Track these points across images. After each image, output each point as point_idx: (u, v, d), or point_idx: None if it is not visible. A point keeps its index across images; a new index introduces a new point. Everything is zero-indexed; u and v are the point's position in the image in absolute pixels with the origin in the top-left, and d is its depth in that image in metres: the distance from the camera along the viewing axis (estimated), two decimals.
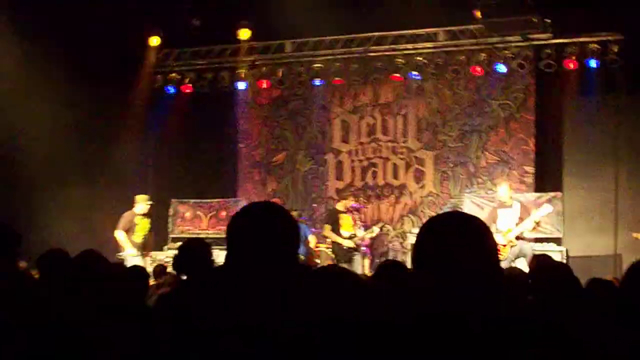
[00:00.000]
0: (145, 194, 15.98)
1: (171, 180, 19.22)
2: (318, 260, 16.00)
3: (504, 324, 2.81)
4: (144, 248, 15.39)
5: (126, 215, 15.53)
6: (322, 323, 3.26)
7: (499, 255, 3.07)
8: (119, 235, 15.23)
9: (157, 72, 19.32)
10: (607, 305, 5.41)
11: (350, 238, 15.64)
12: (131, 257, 14.84)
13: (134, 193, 16.43)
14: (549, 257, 9.13)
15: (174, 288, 6.31)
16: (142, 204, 15.64)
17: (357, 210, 16.20)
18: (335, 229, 15.75)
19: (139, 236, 15.34)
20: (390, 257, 16.96)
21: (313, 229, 16.99)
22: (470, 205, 16.97)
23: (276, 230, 3.48)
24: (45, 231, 15.39)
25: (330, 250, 15.92)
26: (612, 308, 4.84)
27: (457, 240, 2.92)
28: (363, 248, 15.91)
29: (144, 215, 15.61)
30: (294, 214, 16.41)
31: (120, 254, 15.05)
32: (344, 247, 15.60)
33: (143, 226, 15.46)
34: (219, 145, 19.25)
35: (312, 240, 16.46)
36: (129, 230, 15.33)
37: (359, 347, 3.10)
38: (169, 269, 13.30)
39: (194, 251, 6.34)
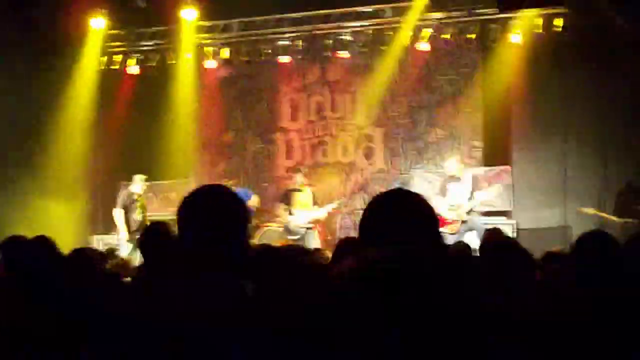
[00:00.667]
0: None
1: (119, 162, 19.08)
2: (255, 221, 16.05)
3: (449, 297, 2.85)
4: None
5: (123, 193, 15.68)
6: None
7: (443, 230, 3.18)
8: (117, 214, 15.33)
9: (103, 54, 19.14)
10: (560, 276, 5.52)
11: (301, 218, 15.77)
12: (125, 242, 14.91)
13: (81, 175, 16.39)
14: (500, 230, 9.21)
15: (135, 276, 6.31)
16: (138, 183, 15.77)
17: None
18: (288, 209, 15.87)
19: (139, 213, 15.41)
20: (342, 234, 17.06)
21: (265, 208, 17.04)
22: (420, 180, 17.07)
23: (224, 211, 3.51)
24: None
25: (282, 229, 16.00)
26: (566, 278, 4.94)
27: (399, 215, 2.99)
28: (318, 228, 16.05)
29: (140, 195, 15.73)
30: (230, 183, 16.55)
31: (115, 241, 15.19)
32: (294, 227, 15.72)
33: (142, 203, 15.51)
34: (167, 126, 19.11)
35: (254, 199, 16.44)
36: (127, 209, 15.39)
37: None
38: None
39: (158, 234, 6.31)
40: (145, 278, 3.87)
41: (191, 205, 3.56)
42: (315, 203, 16.10)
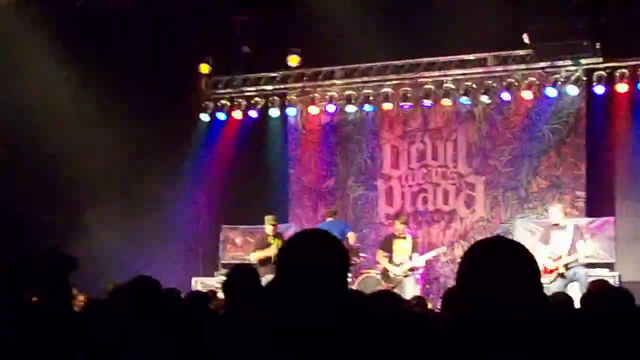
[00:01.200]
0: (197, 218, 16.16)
1: (222, 206, 19.33)
2: (356, 259, 16.07)
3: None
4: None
5: (257, 236, 15.95)
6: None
7: (543, 279, 3.13)
8: (254, 257, 15.61)
9: (208, 99, 19.50)
10: None
11: (400, 264, 15.72)
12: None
13: (181, 219, 16.68)
14: (607, 282, 9.04)
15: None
16: (268, 224, 15.95)
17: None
18: (389, 255, 15.86)
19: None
20: (441, 283, 16.98)
21: (364, 255, 16.99)
22: (522, 230, 16.91)
23: (326, 258, 3.48)
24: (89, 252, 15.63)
25: (380, 275, 15.98)
26: None
27: (499, 265, 2.95)
28: (417, 275, 16.00)
29: (275, 235, 15.94)
30: (331, 210, 16.63)
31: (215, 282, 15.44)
32: (392, 274, 15.68)
33: (278, 244, 15.64)
34: (270, 171, 19.30)
35: (351, 237, 16.41)
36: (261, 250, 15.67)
37: None
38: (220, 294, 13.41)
39: (242, 276, 6.36)
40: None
41: (292, 251, 3.55)
42: (414, 250, 16.03)
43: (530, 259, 3.04)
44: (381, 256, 16.02)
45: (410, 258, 15.89)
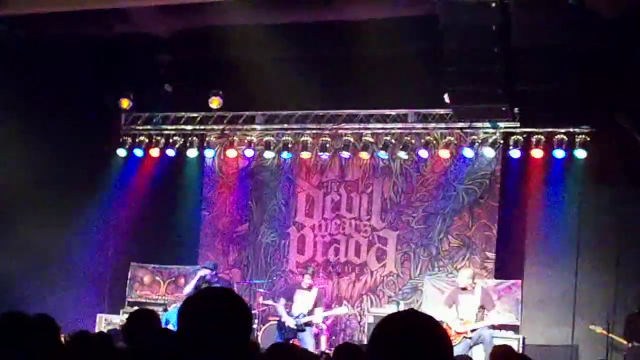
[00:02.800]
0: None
1: (132, 243, 19.13)
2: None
3: None
4: None
5: (196, 277, 15.90)
6: None
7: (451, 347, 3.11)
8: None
9: (127, 134, 19.35)
10: None
11: (297, 317, 15.63)
12: None
13: (91, 253, 16.54)
14: (510, 348, 9.10)
15: None
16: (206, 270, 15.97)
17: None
18: (288, 305, 15.78)
19: None
20: (347, 335, 16.96)
21: (270, 302, 16.92)
22: (431, 288, 17.03)
23: (229, 319, 3.48)
24: None
25: (276, 325, 15.88)
26: None
27: (411, 342, 2.95)
28: (315, 329, 15.94)
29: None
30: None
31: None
32: (287, 326, 15.58)
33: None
34: (183, 212, 19.18)
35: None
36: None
37: None
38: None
39: (143, 320, 6.28)
40: None
41: (193, 308, 3.54)
42: (318, 305, 15.94)
43: (442, 334, 3.05)
44: (281, 306, 15.93)
45: (311, 312, 15.80)
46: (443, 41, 13.61)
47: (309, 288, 16.01)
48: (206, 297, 3.62)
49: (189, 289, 15.82)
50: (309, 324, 15.76)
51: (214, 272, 16.01)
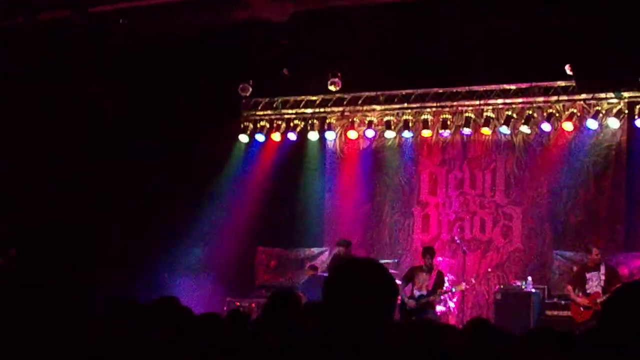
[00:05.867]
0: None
1: (257, 227, 19.33)
2: None
3: None
4: None
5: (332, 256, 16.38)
6: None
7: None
8: None
9: (248, 120, 19.58)
10: None
11: (418, 298, 15.52)
12: None
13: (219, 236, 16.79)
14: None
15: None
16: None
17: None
18: (407, 286, 15.68)
19: None
20: (475, 313, 16.86)
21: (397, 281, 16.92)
22: (559, 263, 16.83)
23: (375, 290, 3.50)
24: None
25: (397, 306, 15.76)
26: None
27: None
28: (441, 307, 15.89)
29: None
30: (312, 265, 16.58)
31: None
32: (408, 307, 15.48)
33: None
34: (306, 194, 19.31)
35: None
36: None
37: None
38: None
39: (283, 299, 6.35)
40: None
41: (341, 278, 3.56)
42: (437, 285, 15.83)
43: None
44: (401, 288, 15.77)
45: (433, 292, 15.70)
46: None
47: (429, 269, 15.89)
48: (352, 266, 3.64)
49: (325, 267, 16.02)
50: (430, 304, 15.66)
51: (349, 249, 16.09)
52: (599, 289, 14.28)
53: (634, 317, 3.00)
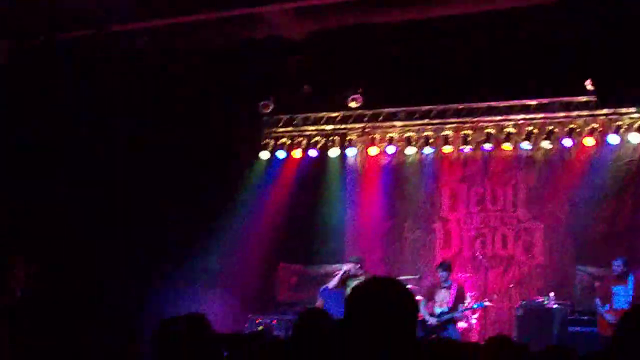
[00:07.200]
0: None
1: (278, 244, 19.34)
2: None
3: None
4: None
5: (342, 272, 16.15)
6: None
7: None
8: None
9: (269, 137, 19.63)
10: None
11: (440, 315, 15.51)
12: None
13: (240, 253, 16.86)
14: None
15: None
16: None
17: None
18: (429, 305, 15.67)
19: None
20: (497, 329, 16.79)
21: (419, 297, 16.88)
22: (582, 278, 16.75)
23: (396, 309, 3.52)
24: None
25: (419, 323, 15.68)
26: None
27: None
28: (463, 323, 15.85)
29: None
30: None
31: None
32: (429, 325, 15.46)
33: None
34: (327, 211, 19.31)
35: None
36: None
37: None
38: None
39: (314, 318, 6.35)
40: None
41: (363, 299, 3.58)
42: (458, 301, 15.79)
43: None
44: (421, 305, 15.76)
45: (454, 308, 15.67)
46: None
47: (448, 285, 15.87)
48: (371, 285, 3.67)
49: (334, 283, 15.97)
50: (451, 321, 15.64)
51: (359, 266, 16.08)
52: (625, 306, 14.17)
53: None
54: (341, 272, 16.07)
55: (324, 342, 5.00)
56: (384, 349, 3.39)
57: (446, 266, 16.09)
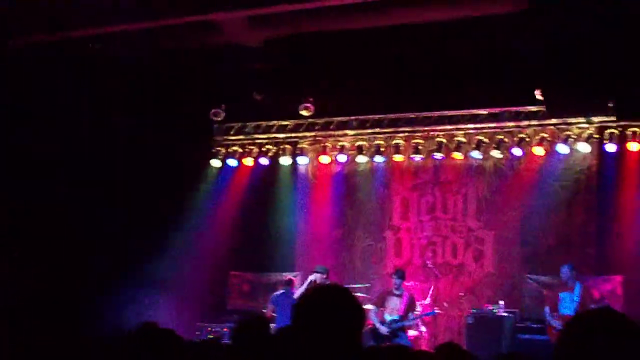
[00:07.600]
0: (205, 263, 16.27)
1: (229, 252, 19.30)
2: None
3: None
4: None
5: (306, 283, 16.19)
6: None
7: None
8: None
9: (220, 145, 19.58)
10: None
11: (391, 323, 15.51)
12: None
13: (191, 260, 16.76)
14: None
15: None
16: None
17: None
18: (380, 312, 15.67)
19: None
20: (447, 337, 16.85)
21: (369, 306, 16.89)
22: (531, 287, 16.86)
23: (341, 318, 3.54)
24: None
25: (369, 333, 15.66)
26: None
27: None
28: (413, 331, 15.90)
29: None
30: (286, 280, 16.60)
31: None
32: (380, 333, 15.46)
33: None
34: (278, 219, 19.30)
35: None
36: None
37: None
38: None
39: (252, 325, 6.32)
40: None
41: (309, 305, 3.60)
42: (408, 309, 15.78)
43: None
44: (370, 311, 15.72)
45: (404, 317, 15.67)
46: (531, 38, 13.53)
47: (400, 293, 15.87)
48: (320, 293, 3.70)
49: (299, 292, 15.99)
50: (402, 329, 15.64)
51: (325, 276, 16.07)
52: (570, 312, 14.29)
53: (582, 349, 3.03)
54: (307, 282, 16.06)
55: (262, 350, 5.00)
56: (329, 357, 3.40)
57: (401, 274, 16.09)
